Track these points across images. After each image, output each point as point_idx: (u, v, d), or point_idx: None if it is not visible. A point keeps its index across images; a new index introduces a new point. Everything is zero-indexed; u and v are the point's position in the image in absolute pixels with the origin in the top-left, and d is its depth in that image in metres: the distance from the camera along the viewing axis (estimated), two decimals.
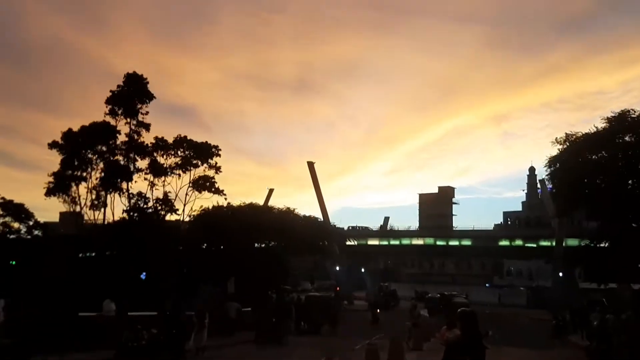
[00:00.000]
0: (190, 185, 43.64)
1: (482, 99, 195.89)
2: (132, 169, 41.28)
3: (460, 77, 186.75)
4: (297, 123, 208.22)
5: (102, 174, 40.59)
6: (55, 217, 59.59)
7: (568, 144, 31.16)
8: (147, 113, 41.94)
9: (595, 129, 29.58)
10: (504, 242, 77.09)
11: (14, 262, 41.61)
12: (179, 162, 43.11)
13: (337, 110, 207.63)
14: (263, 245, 45.44)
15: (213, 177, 44.14)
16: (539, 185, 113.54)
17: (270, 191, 74.56)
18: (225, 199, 44.57)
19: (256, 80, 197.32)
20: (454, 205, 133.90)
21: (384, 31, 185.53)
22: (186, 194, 43.81)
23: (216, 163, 44.51)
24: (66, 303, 21.77)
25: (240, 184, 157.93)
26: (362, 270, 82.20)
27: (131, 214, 40.09)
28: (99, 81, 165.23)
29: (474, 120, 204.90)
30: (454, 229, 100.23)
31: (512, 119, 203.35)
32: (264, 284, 41.40)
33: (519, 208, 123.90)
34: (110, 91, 41.18)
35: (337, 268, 74.30)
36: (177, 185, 43.72)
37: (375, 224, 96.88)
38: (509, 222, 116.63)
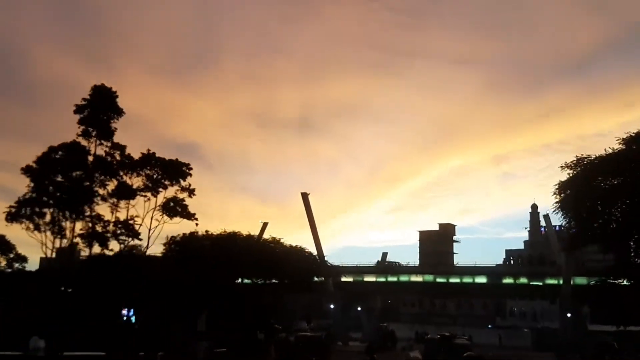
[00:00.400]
0: (160, 208, 39.72)
1: (483, 139, 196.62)
2: (95, 191, 37.66)
3: (460, 117, 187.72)
4: (300, 162, 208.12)
5: (62, 196, 36.88)
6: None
7: (580, 168, 28.45)
8: (115, 130, 38.57)
9: (610, 150, 26.89)
10: (507, 280, 73.10)
11: None
12: (148, 184, 39.20)
13: (340, 149, 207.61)
14: (249, 281, 42.36)
15: (184, 199, 40.05)
16: (542, 223, 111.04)
17: (264, 225, 71.76)
18: (197, 224, 40.15)
19: (259, 119, 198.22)
20: (455, 244, 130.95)
21: (385, 72, 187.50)
22: (152, 218, 39.69)
23: (189, 185, 40.60)
24: None
25: (242, 222, 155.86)
26: (359, 309, 78.68)
27: (86, 239, 36.43)
28: None
29: (475, 160, 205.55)
30: (455, 265, 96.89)
31: (512, 159, 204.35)
32: (249, 322, 38.60)
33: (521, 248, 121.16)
34: (75, 105, 37.95)
35: (332, 306, 70.74)
36: (145, 208, 39.76)
37: (374, 262, 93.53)
38: (511, 261, 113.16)
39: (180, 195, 40.09)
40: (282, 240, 43.60)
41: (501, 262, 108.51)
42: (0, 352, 17.22)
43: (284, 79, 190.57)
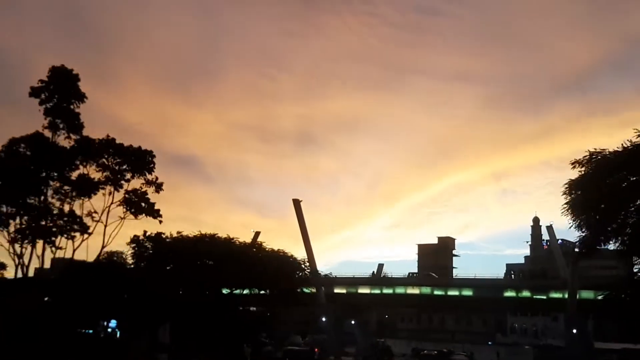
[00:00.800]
0: (122, 203, 35.49)
1: (482, 156, 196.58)
2: (47, 182, 33.60)
3: (459, 134, 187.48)
4: (299, 176, 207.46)
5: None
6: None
7: (593, 164, 25.30)
8: (79, 115, 34.88)
9: (629, 143, 23.74)
10: (509, 293, 68.67)
11: None
12: (108, 176, 35.01)
13: (339, 164, 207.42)
14: (230, 291, 39.13)
15: (146, 192, 35.67)
16: (544, 237, 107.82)
17: (256, 234, 68.62)
18: (161, 222, 36.55)
19: (259, 133, 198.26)
20: (454, 258, 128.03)
21: (385, 87, 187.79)
22: (108, 212, 35.59)
23: (156, 178, 36.56)
24: None
25: (240, 235, 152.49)
26: (353, 322, 75.10)
27: (22, 233, 32.74)
28: (105, 132, 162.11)
29: (474, 177, 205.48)
30: (454, 277, 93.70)
31: (511, 176, 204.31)
32: (230, 335, 35.53)
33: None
34: (31, 87, 33.87)
35: (324, 319, 67.18)
36: (104, 202, 35.63)
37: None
38: (512, 275, 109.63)
39: (146, 189, 35.95)
40: (263, 244, 40.31)
41: (502, 277, 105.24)
42: None
43: (284, 94, 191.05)
